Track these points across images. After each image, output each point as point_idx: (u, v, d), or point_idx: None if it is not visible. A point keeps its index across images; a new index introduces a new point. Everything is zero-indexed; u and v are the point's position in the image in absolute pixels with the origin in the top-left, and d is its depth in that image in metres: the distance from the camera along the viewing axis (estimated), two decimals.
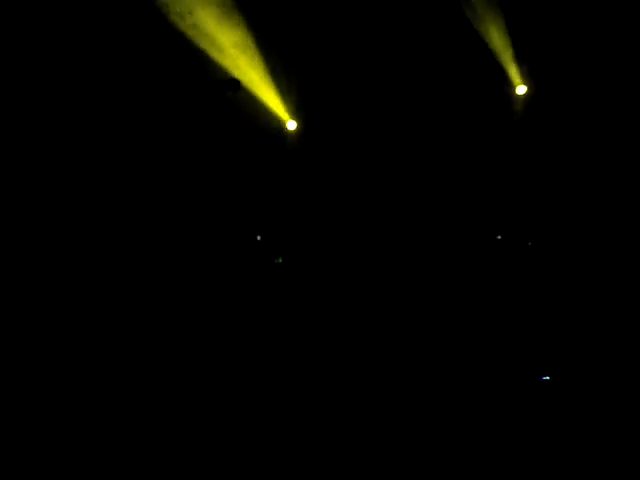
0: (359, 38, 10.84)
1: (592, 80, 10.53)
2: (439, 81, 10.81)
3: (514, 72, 10.56)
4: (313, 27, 10.97)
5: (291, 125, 11.38)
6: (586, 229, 10.56)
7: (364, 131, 11.10)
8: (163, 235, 11.02)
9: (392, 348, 10.48)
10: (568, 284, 10.46)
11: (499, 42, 10.52)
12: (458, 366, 10.24)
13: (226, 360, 10.48)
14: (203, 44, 11.15)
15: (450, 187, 10.97)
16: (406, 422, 9.82)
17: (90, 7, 10.69)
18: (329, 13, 10.88)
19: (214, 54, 11.18)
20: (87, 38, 10.84)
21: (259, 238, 11.14)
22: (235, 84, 10.06)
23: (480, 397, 9.94)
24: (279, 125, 11.35)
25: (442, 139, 10.94)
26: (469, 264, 10.82)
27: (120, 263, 10.83)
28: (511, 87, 10.63)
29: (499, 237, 10.90)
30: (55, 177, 10.89)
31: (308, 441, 9.72)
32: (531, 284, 10.59)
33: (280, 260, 11.08)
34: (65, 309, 10.51)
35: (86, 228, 10.87)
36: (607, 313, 10.14)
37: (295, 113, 11.32)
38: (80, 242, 10.82)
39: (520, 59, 10.53)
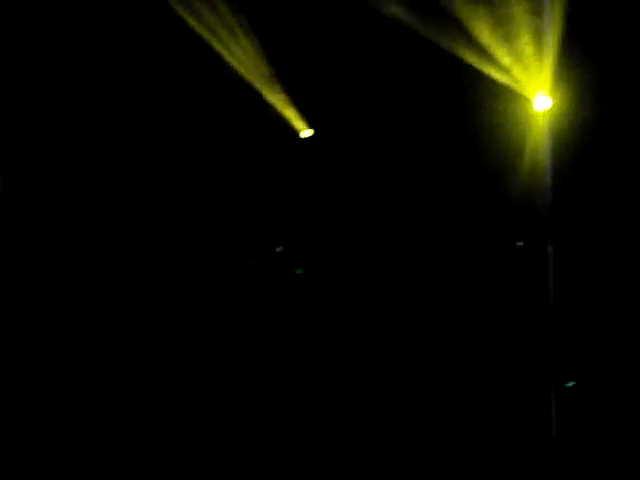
0: (372, 53, 10.65)
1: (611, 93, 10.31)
2: (454, 94, 10.62)
3: (533, 85, 10.30)
4: (330, 38, 10.77)
5: (307, 133, 11.25)
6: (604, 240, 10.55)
7: (379, 141, 10.99)
8: (178, 248, 11.08)
9: (411, 359, 10.71)
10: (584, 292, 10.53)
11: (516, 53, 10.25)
12: (471, 377, 10.49)
13: (242, 374, 10.72)
14: (218, 48, 10.96)
15: (471, 197, 10.91)
16: (407, 430, 10.17)
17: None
18: (347, 26, 10.66)
19: (228, 59, 11.01)
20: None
21: (279, 249, 11.19)
22: None
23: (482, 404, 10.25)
24: (295, 133, 11.23)
25: (459, 150, 10.83)
26: (489, 273, 10.87)
27: (132, 276, 10.93)
28: (529, 101, 10.39)
29: (520, 244, 10.89)
30: (55, 178, 10.92)
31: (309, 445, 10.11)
32: (546, 292, 10.64)
33: (301, 271, 11.16)
34: (65, 314, 10.68)
35: (93, 239, 10.93)
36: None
37: (310, 121, 11.18)
38: (85, 255, 10.91)
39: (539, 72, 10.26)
